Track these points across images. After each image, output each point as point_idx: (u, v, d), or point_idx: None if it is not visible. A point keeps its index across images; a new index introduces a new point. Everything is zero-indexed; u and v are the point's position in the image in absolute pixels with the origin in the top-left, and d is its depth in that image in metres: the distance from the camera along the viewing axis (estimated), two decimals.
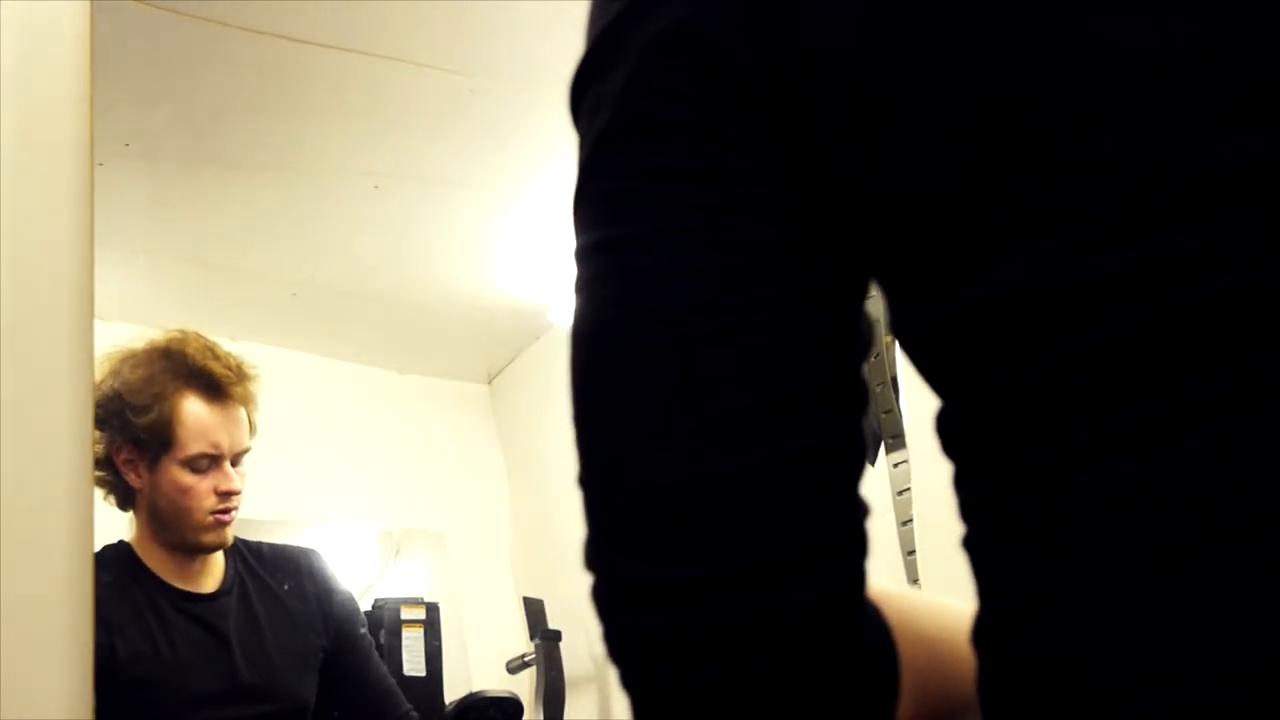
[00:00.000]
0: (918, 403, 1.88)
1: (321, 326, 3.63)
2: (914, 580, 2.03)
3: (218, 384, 1.80)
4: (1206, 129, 0.42)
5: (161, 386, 1.78)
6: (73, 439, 0.87)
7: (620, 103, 0.51)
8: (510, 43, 2.32)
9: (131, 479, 1.80)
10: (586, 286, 0.52)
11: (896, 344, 0.55)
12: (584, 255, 0.52)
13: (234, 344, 1.97)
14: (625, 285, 0.50)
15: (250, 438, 1.86)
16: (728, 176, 0.50)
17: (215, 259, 3.21)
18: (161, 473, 1.78)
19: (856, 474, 0.51)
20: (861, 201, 0.49)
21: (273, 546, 1.98)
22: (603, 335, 0.51)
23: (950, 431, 0.50)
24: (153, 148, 2.64)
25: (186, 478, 1.77)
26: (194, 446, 1.77)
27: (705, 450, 0.48)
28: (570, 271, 0.53)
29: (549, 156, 2.67)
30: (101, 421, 1.77)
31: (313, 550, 2.03)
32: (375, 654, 2.02)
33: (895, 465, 2.17)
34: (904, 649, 0.55)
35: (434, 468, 3.87)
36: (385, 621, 3.02)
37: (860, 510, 0.51)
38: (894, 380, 2.18)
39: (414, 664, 3.04)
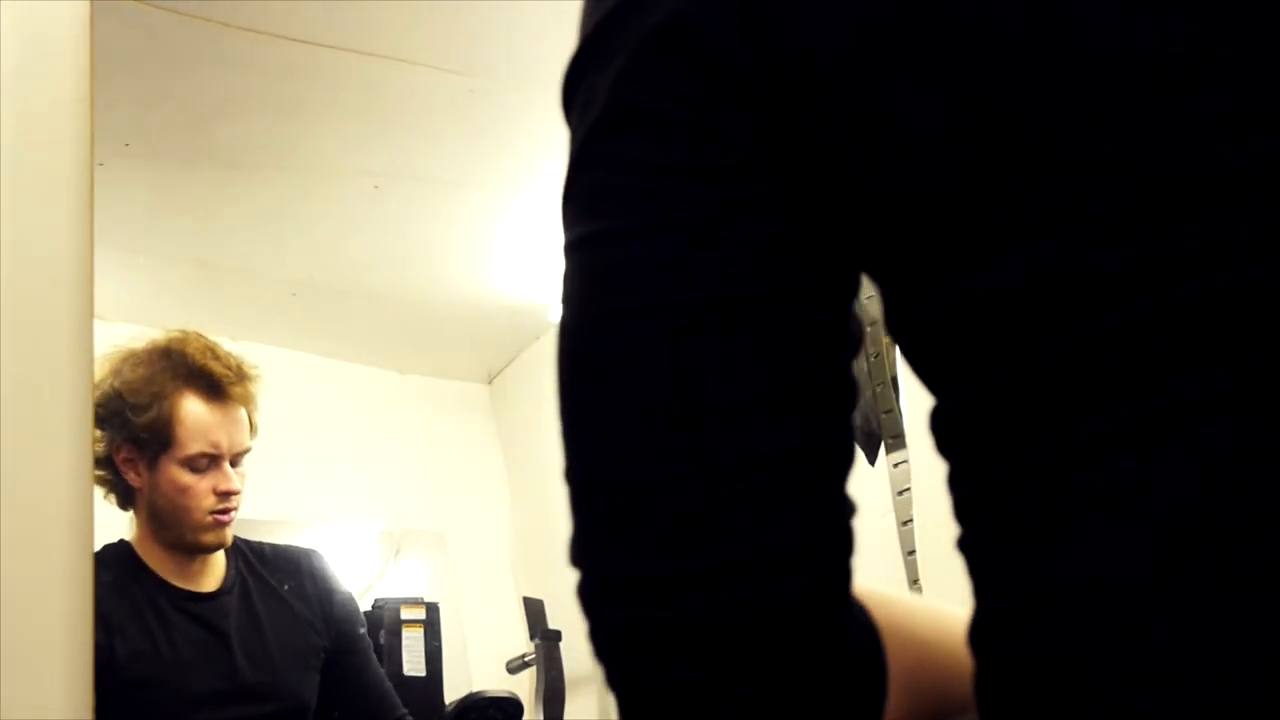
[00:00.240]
0: (918, 403, 1.87)
1: (321, 326, 3.63)
2: (914, 580, 2.03)
3: (218, 384, 1.80)
4: (1206, 129, 0.42)
5: (161, 386, 1.78)
6: (73, 439, 0.87)
7: (613, 97, 0.50)
8: (509, 43, 2.32)
9: (131, 478, 1.80)
10: (578, 279, 0.51)
11: (897, 345, 0.55)
12: (573, 249, 0.52)
13: (234, 344, 1.97)
14: (618, 279, 0.50)
15: (250, 438, 1.86)
16: (720, 173, 0.49)
17: (215, 259, 3.22)
18: (161, 472, 1.78)
19: (844, 472, 0.51)
20: (860, 201, 0.49)
21: (274, 547, 1.98)
22: (590, 329, 0.50)
23: (945, 429, 0.50)
24: (153, 148, 2.64)
25: (186, 477, 1.77)
26: (193, 446, 1.77)
27: (691, 447, 0.48)
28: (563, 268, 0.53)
29: (549, 156, 2.67)
30: (101, 420, 1.77)
31: (314, 551, 2.03)
32: (374, 656, 2.02)
33: (895, 465, 2.17)
34: (893, 650, 0.55)
35: (434, 468, 3.88)
36: (385, 621, 3.02)
37: (847, 509, 0.51)
38: (894, 380, 2.18)
39: (414, 664, 3.04)
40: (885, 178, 0.48)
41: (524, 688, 3.23)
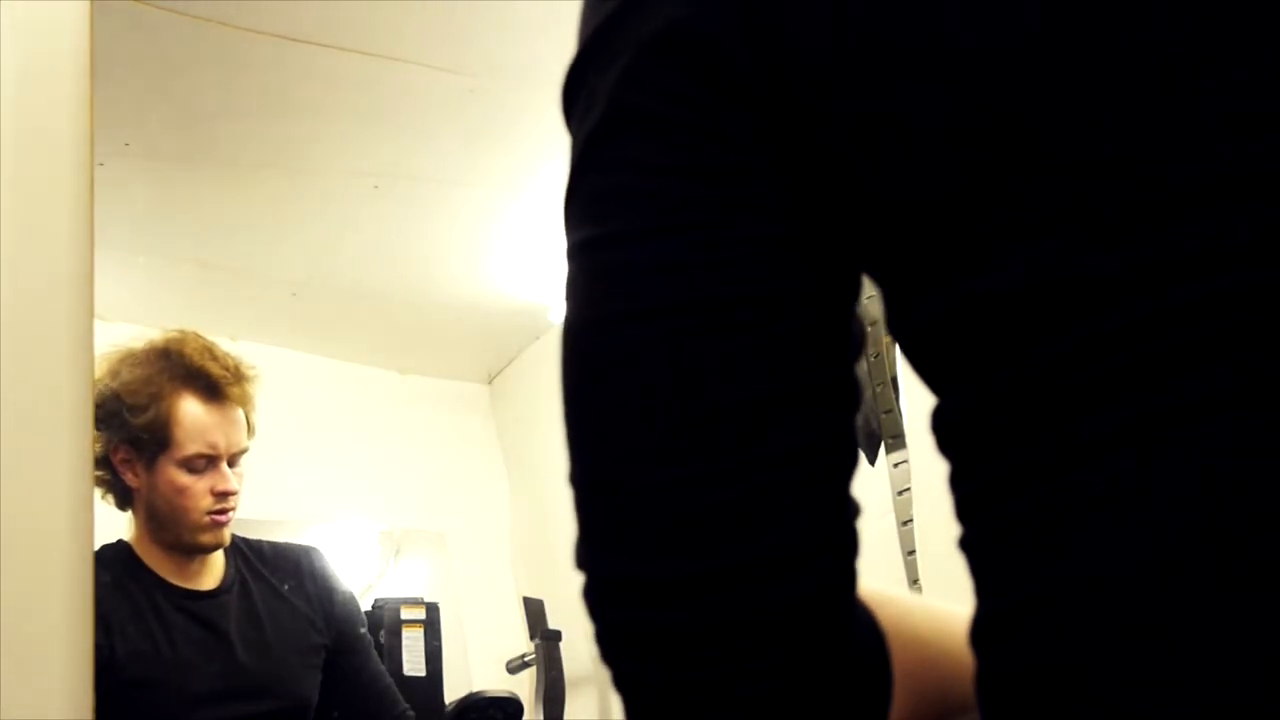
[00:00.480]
0: (918, 403, 1.87)
1: (321, 326, 3.63)
2: (914, 580, 2.03)
3: (215, 385, 1.81)
4: (1206, 129, 0.42)
5: (159, 387, 1.78)
6: (73, 439, 0.87)
7: (613, 100, 0.50)
8: (509, 42, 2.32)
9: (129, 478, 1.80)
10: (580, 282, 0.52)
11: (897, 344, 0.55)
12: (576, 252, 0.52)
13: (234, 344, 1.97)
14: (615, 282, 0.50)
15: (248, 438, 1.86)
16: (721, 174, 0.49)
17: (215, 259, 3.22)
18: (158, 473, 1.78)
19: (847, 473, 0.51)
20: (860, 201, 0.49)
21: (274, 545, 1.98)
22: (592, 332, 0.50)
23: (946, 429, 0.50)
24: (153, 148, 2.64)
25: (183, 478, 1.77)
26: (190, 447, 1.77)
27: (693, 449, 0.48)
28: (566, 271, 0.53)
29: (549, 155, 2.67)
30: (99, 421, 1.77)
31: (314, 549, 2.03)
32: (374, 654, 2.02)
33: (895, 465, 2.17)
34: (897, 651, 0.55)
35: (434, 468, 3.88)
36: (385, 621, 3.02)
37: (850, 510, 0.51)
38: (894, 380, 2.18)
39: (414, 664, 3.04)
40: (885, 178, 0.48)
41: (524, 688, 3.23)
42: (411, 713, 1.98)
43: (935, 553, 1.95)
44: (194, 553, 1.83)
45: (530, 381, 3.94)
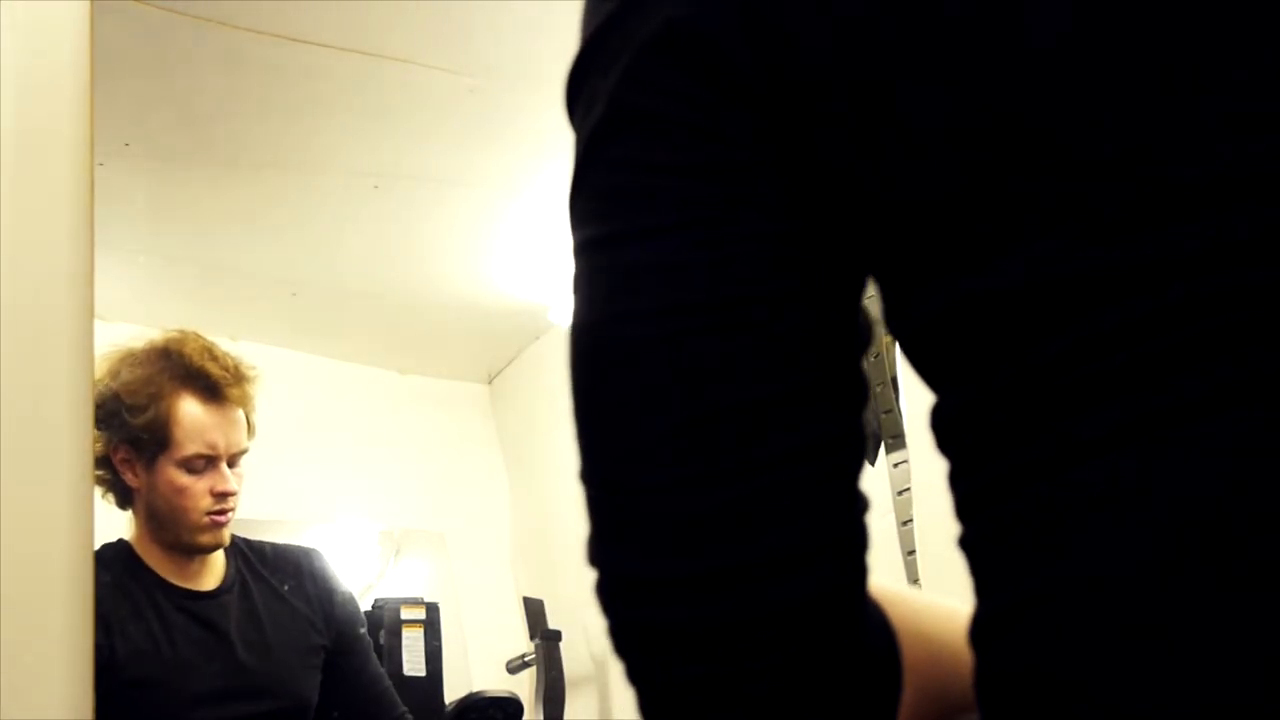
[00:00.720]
0: (918, 403, 1.87)
1: (321, 326, 3.63)
2: (914, 580, 2.03)
3: (215, 385, 1.80)
4: (1206, 129, 0.42)
5: (159, 387, 1.78)
6: (73, 439, 0.87)
7: (614, 99, 0.51)
8: (509, 41, 2.32)
9: (129, 478, 1.80)
10: (583, 282, 0.52)
11: (897, 344, 0.55)
12: (580, 251, 0.52)
13: (234, 344, 1.97)
14: (620, 281, 0.50)
15: (248, 439, 1.86)
16: (723, 173, 0.50)
17: (215, 259, 3.22)
18: (158, 473, 1.78)
19: (856, 469, 0.51)
20: (860, 200, 0.49)
21: (274, 546, 1.98)
22: (599, 332, 0.51)
23: (946, 427, 0.50)
24: (153, 148, 2.64)
25: (182, 478, 1.77)
26: (190, 447, 1.77)
27: (696, 448, 0.48)
28: (570, 271, 0.53)
29: (549, 154, 2.67)
30: (99, 421, 1.77)
31: (314, 550, 2.03)
32: (374, 656, 2.02)
33: (895, 465, 2.17)
34: (907, 648, 0.55)
35: (434, 468, 3.87)
36: (385, 621, 3.02)
37: (860, 505, 0.51)
38: (894, 380, 2.18)
39: (414, 664, 3.04)
40: (885, 177, 0.48)
41: (524, 688, 3.23)
42: (410, 716, 1.98)
43: (935, 553, 1.95)
44: (193, 553, 1.83)
45: (530, 381, 3.94)
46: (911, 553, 2.07)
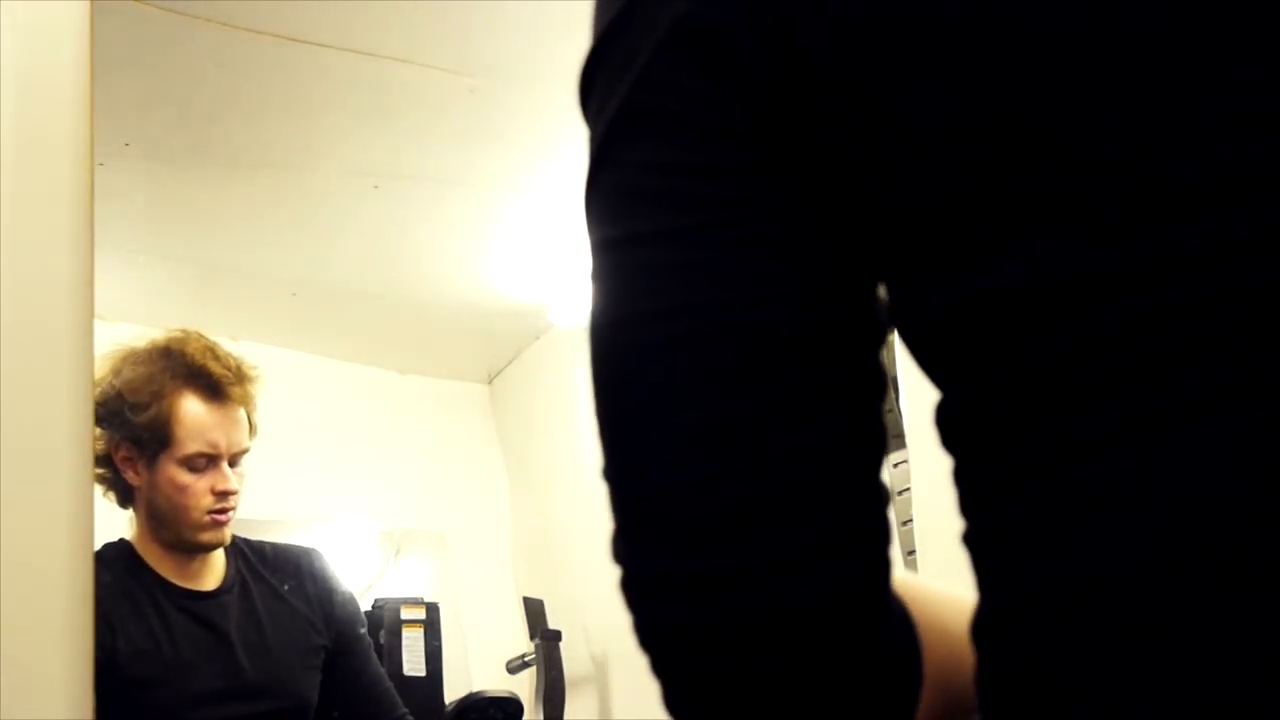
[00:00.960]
0: (918, 403, 1.87)
1: (321, 326, 3.63)
2: None
3: (217, 384, 1.81)
4: (1206, 129, 0.42)
5: (160, 385, 1.78)
6: (73, 439, 0.87)
7: (628, 97, 0.51)
8: (509, 41, 2.32)
9: (130, 477, 1.80)
10: (600, 283, 0.52)
11: (896, 344, 0.55)
12: (597, 251, 0.53)
13: (234, 344, 1.97)
14: (637, 282, 0.50)
15: (250, 439, 1.86)
16: (736, 171, 0.50)
17: (215, 259, 3.22)
18: (159, 471, 1.78)
19: (875, 465, 0.52)
20: (860, 200, 0.49)
21: (275, 546, 1.98)
22: (617, 332, 0.51)
23: (949, 424, 0.50)
24: (153, 148, 2.64)
25: (184, 476, 1.78)
26: (191, 445, 1.77)
27: (720, 445, 0.48)
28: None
29: (550, 155, 2.67)
30: (101, 419, 1.77)
31: (314, 550, 2.03)
32: (374, 656, 2.02)
33: (895, 465, 2.17)
34: (927, 644, 0.55)
35: (434, 468, 3.87)
36: (385, 621, 3.02)
37: (882, 499, 0.51)
38: (894, 380, 2.18)
39: (414, 664, 3.04)
40: (885, 177, 0.48)
41: (524, 688, 3.23)
42: (410, 717, 1.98)
43: (935, 553, 1.95)
44: (194, 551, 1.83)
45: (530, 381, 3.94)
46: (911, 552, 2.07)
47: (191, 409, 1.78)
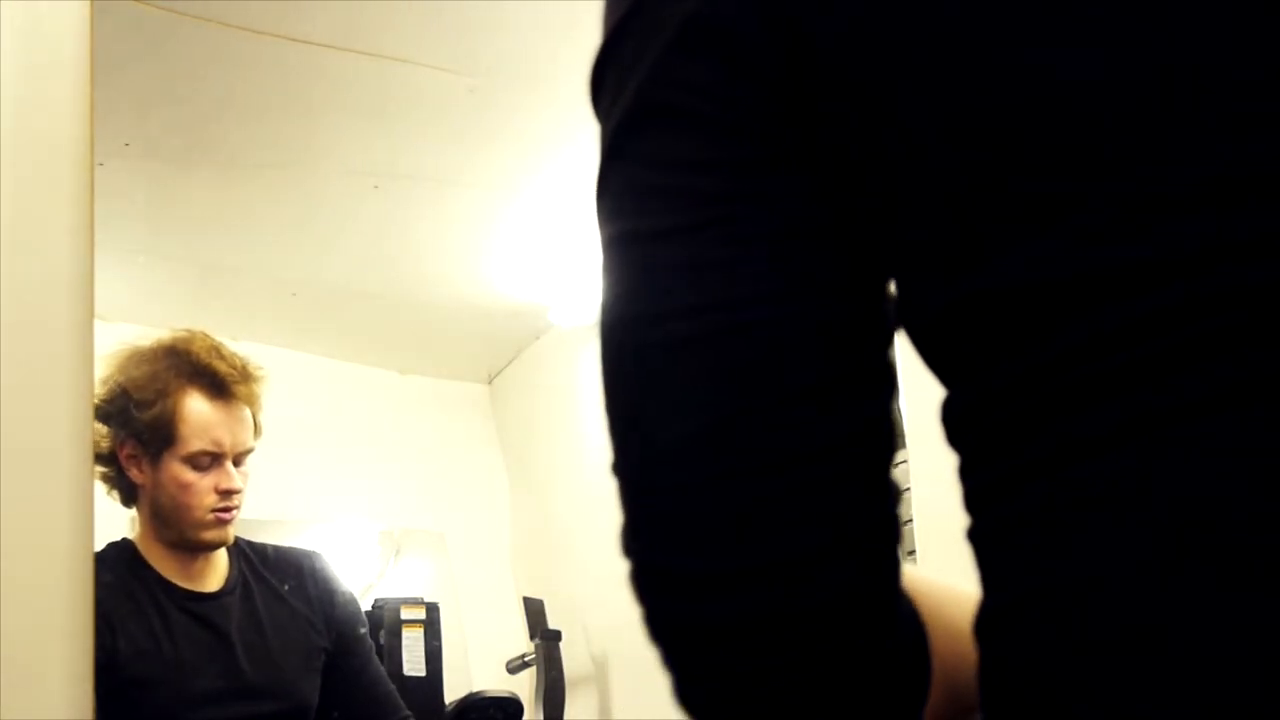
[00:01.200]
0: (918, 403, 1.87)
1: (321, 326, 3.63)
2: None
3: (222, 383, 1.81)
4: (1206, 129, 0.42)
5: (165, 383, 1.78)
6: (73, 439, 0.87)
7: (640, 93, 0.51)
8: (509, 41, 2.32)
9: (134, 474, 1.80)
10: (612, 279, 0.52)
11: (895, 343, 0.56)
12: (609, 247, 0.53)
13: (234, 344, 1.97)
14: (649, 280, 0.50)
15: (255, 439, 1.87)
16: (746, 168, 0.50)
17: (215, 259, 3.22)
18: (163, 469, 1.78)
19: (887, 461, 0.52)
20: (862, 199, 0.49)
21: (276, 549, 1.98)
22: (629, 330, 0.51)
23: (953, 422, 0.50)
24: (153, 148, 2.64)
25: (187, 474, 1.78)
26: (195, 443, 1.78)
27: (732, 444, 0.48)
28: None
29: (549, 154, 2.67)
30: (107, 416, 1.78)
31: (316, 553, 2.03)
32: (374, 657, 2.02)
33: (895, 465, 2.17)
34: (935, 641, 0.55)
35: (434, 468, 3.88)
36: (385, 621, 3.02)
37: (893, 497, 0.52)
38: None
39: (414, 664, 3.04)
40: (887, 177, 0.48)
41: (524, 688, 3.23)
42: (411, 718, 1.98)
43: (935, 553, 1.95)
44: (197, 550, 1.83)
45: (530, 381, 3.94)
46: (911, 552, 2.07)
47: (196, 407, 1.79)
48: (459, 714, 2.86)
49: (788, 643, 0.48)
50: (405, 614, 3.07)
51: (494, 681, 3.28)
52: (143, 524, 1.83)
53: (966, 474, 0.50)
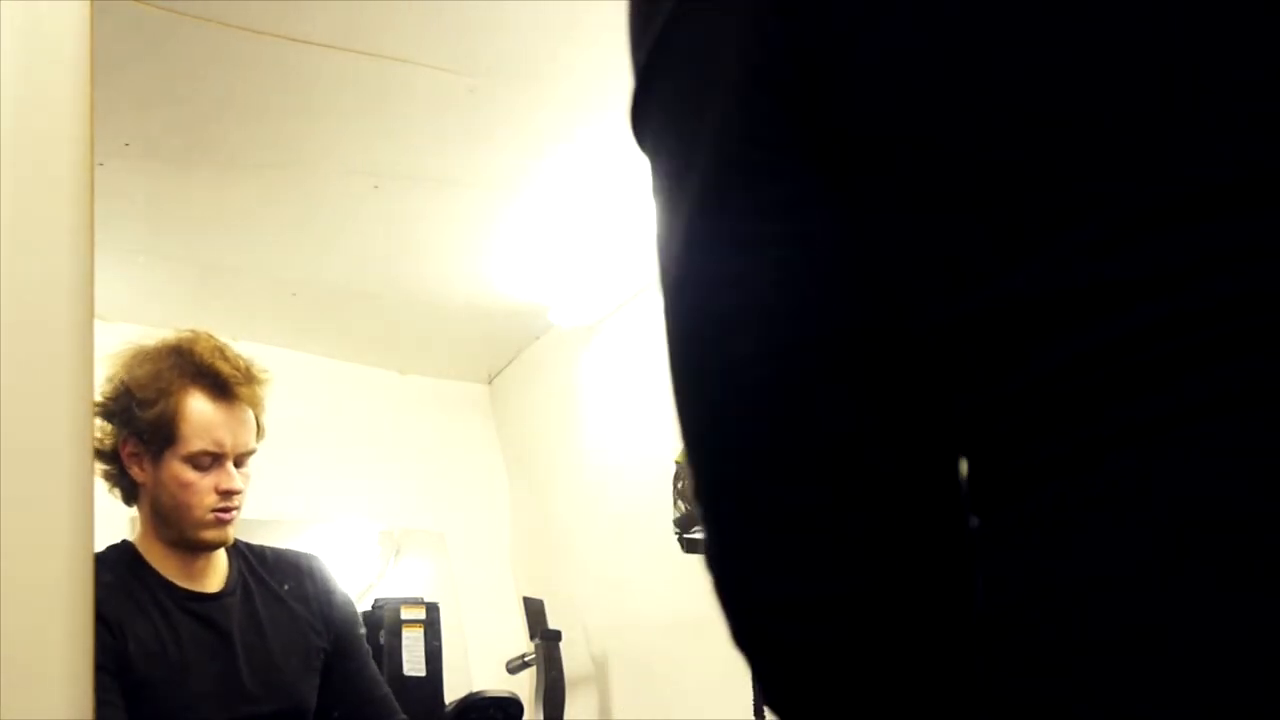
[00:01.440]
0: None
1: (321, 326, 3.64)
2: None
3: (224, 383, 1.81)
4: (1212, 134, 0.42)
5: (168, 382, 1.78)
6: (73, 439, 0.87)
7: (720, 151, 0.52)
8: (509, 41, 2.32)
9: (135, 473, 1.80)
10: (683, 276, 0.53)
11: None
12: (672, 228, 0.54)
13: (234, 344, 1.97)
14: (737, 318, 0.52)
15: (257, 440, 1.87)
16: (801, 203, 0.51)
17: (215, 259, 3.22)
18: (164, 468, 1.78)
19: (957, 481, 0.53)
20: (880, 205, 0.50)
21: (275, 550, 1.98)
22: (720, 375, 0.52)
23: (960, 428, 0.51)
24: (153, 148, 2.64)
25: (188, 474, 1.78)
26: (196, 443, 1.78)
27: (818, 475, 0.50)
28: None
29: (550, 155, 2.67)
30: (110, 414, 1.78)
31: (314, 555, 2.03)
32: (371, 660, 2.02)
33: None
34: None
35: (434, 468, 3.88)
36: (385, 622, 3.02)
37: (966, 518, 0.53)
38: None
39: (414, 664, 3.04)
40: (893, 192, 0.49)
41: (524, 688, 3.23)
42: None
43: None
44: (197, 550, 1.83)
45: (530, 381, 3.94)
46: None
47: (198, 407, 1.79)
48: (459, 714, 2.87)
49: (873, 666, 0.51)
50: (405, 614, 3.07)
51: (494, 681, 3.28)
52: (143, 523, 1.84)
53: (972, 477, 0.50)
